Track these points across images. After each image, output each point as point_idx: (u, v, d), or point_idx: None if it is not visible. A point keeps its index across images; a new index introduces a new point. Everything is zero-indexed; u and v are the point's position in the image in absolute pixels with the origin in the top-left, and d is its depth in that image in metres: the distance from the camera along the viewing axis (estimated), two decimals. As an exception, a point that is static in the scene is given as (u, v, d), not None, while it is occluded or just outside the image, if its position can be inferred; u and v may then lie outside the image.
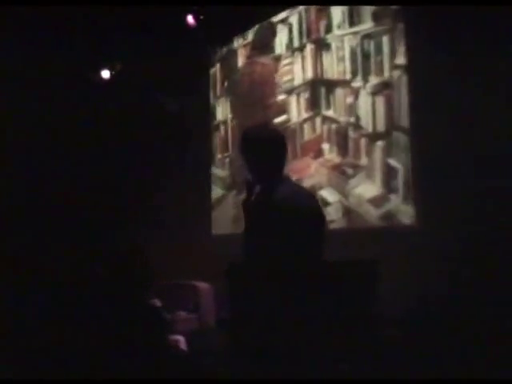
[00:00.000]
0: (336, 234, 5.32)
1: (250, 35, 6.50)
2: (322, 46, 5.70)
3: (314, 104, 5.75)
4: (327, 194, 5.51)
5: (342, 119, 5.45)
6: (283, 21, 6.09)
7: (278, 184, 2.89)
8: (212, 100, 7.04)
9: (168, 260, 6.28)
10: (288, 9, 6.05)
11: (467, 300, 4.03)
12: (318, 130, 5.69)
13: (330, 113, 5.57)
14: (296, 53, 5.96)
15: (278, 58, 6.16)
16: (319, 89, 5.70)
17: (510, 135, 4.06)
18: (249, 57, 6.54)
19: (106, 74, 7.08)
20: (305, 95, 5.84)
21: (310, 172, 5.67)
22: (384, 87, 5.10)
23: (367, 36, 5.27)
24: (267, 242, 2.76)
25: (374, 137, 5.18)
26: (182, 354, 4.60)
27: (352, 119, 5.35)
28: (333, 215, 5.40)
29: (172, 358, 4.48)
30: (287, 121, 6.01)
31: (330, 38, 5.62)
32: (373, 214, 5.15)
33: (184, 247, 6.39)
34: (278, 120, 6.06)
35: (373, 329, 3.66)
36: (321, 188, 5.57)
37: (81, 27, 6.48)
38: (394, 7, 5.07)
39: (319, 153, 5.65)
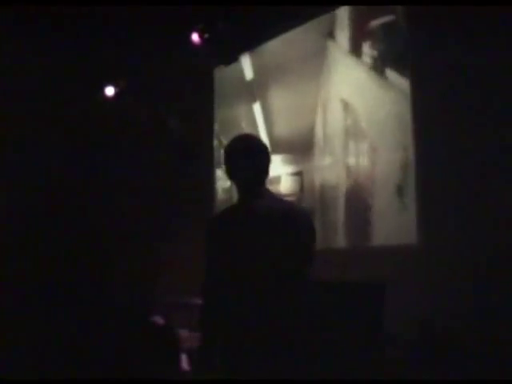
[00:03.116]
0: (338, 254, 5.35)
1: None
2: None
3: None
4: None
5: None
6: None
7: (264, 196, 2.82)
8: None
9: (171, 277, 6.27)
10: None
11: (472, 319, 4.02)
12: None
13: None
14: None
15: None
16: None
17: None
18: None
19: (110, 90, 7.11)
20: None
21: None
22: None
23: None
24: (263, 260, 2.68)
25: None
26: (185, 372, 4.58)
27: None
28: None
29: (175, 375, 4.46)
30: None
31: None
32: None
33: (187, 264, 6.37)
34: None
35: (377, 349, 3.65)
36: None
37: (85, 44, 6.52)
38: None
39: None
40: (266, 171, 2.87)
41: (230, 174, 2.89)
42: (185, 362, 4.74)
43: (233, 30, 6.08)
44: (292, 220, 2.73)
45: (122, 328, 4.60)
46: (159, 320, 5.05)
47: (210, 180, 6.99)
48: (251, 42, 6.40)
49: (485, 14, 4.11)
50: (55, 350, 4.78)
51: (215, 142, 7.15)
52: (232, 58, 6.60)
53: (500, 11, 4.02)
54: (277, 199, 2.90)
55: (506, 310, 3.88)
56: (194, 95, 6.91)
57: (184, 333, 5.68)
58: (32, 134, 6.61)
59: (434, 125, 4.60)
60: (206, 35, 6.26)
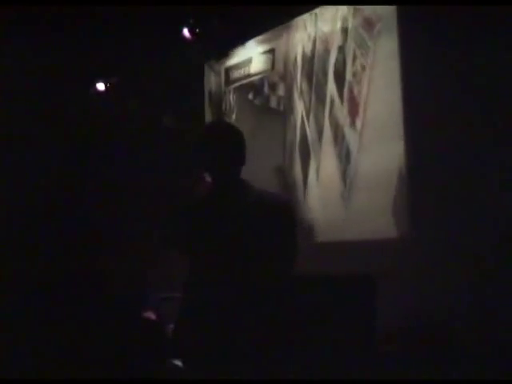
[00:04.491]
0: (330, 246, 5.33)
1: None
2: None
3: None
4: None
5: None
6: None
7: (240, 188, 2.70)
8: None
9: (164, 272, 6.26)
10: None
11: (465, 312, 4.03)
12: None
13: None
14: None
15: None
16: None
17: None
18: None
19: (101, 86, 7.09)
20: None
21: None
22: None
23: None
24: (247, 247, 2.59)
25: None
26: (176, 366, 4.59)
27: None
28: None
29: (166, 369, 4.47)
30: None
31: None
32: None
33: (181, 260, 6.37)
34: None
35: (369, 343, 3.65)
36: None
37: (76, 40, 6.49)
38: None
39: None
40: (241, 161, 2.73)
41: (204, 164, 2.74)
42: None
43: (224, 24, 6.08)
44: (271, 213, 2.63)
45: (115, 324, 4.60)
46: (151, 315, 5.05)
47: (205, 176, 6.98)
48: (242, 36, 6.39)
49: (481, 15, 4.10)
50: (48, 347, 4.78)
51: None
52: (224, 52, 6.60)
53: (495, 11, 4.02)
54: (255, 190, 2.74)
55: (502, 305, 3.89)
56: (185, 90, 6.89)
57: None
58: (24, 132, 6.60)
59: (427, 117, 4.57)
60: (198, 30, 6.25)
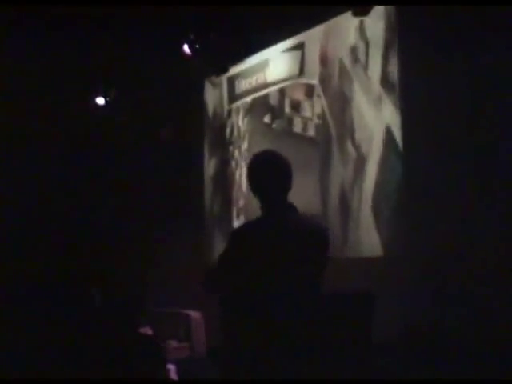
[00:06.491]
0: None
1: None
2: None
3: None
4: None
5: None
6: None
7: (285, 211, 2.94)
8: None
9: (160, 288, 6.26)
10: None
11: (457, 325, 4.03)
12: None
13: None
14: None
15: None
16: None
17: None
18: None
19: (100, 100, 7.13)
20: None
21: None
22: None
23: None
24: (277, 270, 2.81)
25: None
26: (173, 382, 4.57)
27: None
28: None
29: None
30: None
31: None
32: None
33: (177, 275, 6.37)
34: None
35: (365, 357, 3.65)
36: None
37: (76, 54, 6.53)
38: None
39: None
40: (289, 186, 2.97)
41: (255, 189, 2.98)
42: (173, 373, 4.72)
43: (224, 40, 6.10)
44: (314, 236, 2.92)
45: (111, 340, 4.59)
46: (148, 331, 5.04)
47: (200, 197, 7.00)
48: (242, 52, 6.40)
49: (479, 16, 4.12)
50: (39, 358, 4.77)
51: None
52: (223, 68, 6.61)
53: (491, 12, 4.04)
54: (299, 214, 3.00)
55: (494, 315, 3.91)
56: (185, 106, 6.92)
57: (172, 343, 5.68)
58: (27, 139, 6.63)
59: (421, 136, 4.59)
60: (197, 46, 6.28)
